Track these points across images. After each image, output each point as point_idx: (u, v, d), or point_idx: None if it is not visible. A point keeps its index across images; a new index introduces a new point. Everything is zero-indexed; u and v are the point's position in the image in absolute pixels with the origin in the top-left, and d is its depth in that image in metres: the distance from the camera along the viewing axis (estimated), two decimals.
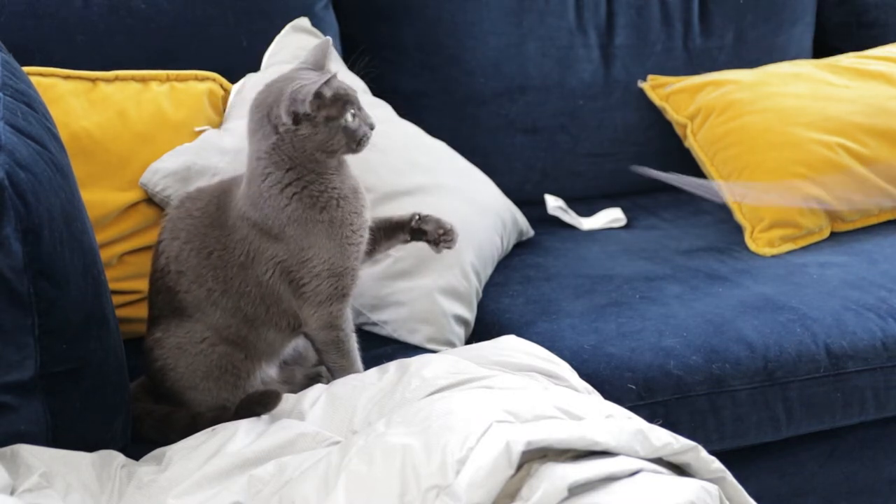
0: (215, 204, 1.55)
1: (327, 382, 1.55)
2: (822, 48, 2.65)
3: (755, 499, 1.26)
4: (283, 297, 1.53)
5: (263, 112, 1.48)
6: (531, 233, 2.19)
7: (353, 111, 1.48)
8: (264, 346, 1.58)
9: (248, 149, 1.52)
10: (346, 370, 1.56)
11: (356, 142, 1.49)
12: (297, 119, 1.46)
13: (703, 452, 1.23)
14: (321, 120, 1.46)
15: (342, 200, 1.52)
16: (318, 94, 1.45)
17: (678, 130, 2.39)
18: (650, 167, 2.49)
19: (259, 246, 1.51)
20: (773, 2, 2.49)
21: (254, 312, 1.54)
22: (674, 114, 2.38)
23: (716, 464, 1.24)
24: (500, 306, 1.93)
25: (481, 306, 1.93)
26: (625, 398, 1.71)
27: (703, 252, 2.14)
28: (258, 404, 1.46)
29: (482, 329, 1.88)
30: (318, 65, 1.53)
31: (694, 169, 2.36)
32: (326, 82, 1.44)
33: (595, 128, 2.44)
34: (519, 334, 1.79)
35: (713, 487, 1.18)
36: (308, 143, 1.47)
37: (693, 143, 2.33)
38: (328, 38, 1.56)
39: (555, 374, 1.49)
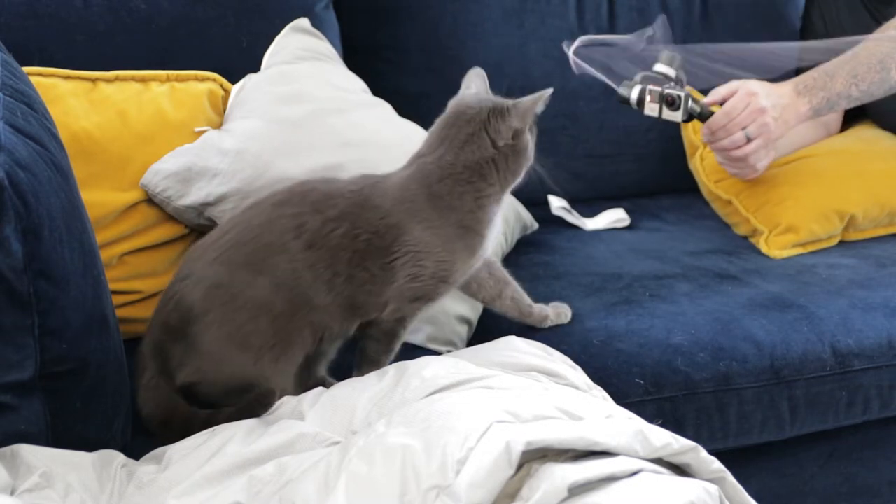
0: (369, 189, 1.57)
1: (328, 387, 1.55)
2: None
3: (755, 499, 1.26)
4: (390, 288, 1.55)
5: (477, 126, 1.56)
6: (535, 226, 2.19)
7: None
8: (340, 333, 1.57)
9: (445, 156, 1.57)
10: (378, 366, 1.56)
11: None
12: (515, 134, 1.56)
13: (703, 453, 1.23)
14: (524, 134, 1.58)
15: (493, 226, 1.60)
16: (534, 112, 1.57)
17: (688, 149, 2.38)
18: (651, 169, 2.50)
19: (407, 229, 1.54)
20: (771, 8, 2.49)
21: (364, 301, 1.55)
22: (692, 133, 2.35)
23: (716, 464, 1.24)
24: None
25: None
26: (632, 393, 1.73)
27: (711, 253, 2.14)
28: (258, 404, 1.46)
29: (492, 324, 1.87)
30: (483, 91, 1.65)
31: (692, 178, 2.37)
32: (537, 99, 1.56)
33: (596, 129, 2.44)
34: (529, 329, 1.79)
35: (713, 488, 1.18)
36: (521, 157, 1.59)
37: (699, 167, 2.32)
38: (478, 68, 1.67)
39: (556, 372, 1.50)
